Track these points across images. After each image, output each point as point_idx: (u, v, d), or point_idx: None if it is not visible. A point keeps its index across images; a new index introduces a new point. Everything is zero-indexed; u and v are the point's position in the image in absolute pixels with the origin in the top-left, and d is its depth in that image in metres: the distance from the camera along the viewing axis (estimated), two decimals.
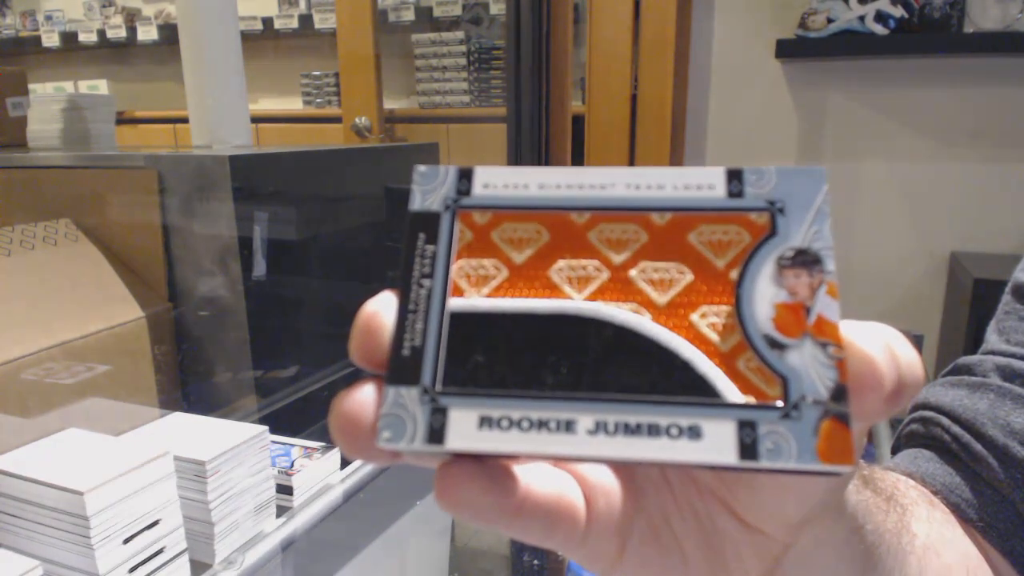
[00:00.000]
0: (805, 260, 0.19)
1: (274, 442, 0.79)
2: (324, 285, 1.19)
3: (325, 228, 1.17)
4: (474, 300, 0.20)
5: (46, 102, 1.45)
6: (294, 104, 3.04)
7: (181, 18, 1.24)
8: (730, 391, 0.18)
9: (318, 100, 2.95)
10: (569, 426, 0.18)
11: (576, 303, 0.20)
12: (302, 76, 2.96)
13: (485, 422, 0.18)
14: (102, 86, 3.29)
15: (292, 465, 0.77)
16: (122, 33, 3.18)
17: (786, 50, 1.99)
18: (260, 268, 1.00)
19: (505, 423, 0.18)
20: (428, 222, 0.21)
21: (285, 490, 0.75)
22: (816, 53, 2.01)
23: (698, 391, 0.18)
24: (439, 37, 2.63)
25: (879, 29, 1.88)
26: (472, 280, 0.20)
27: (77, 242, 1.00)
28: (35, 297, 0.89)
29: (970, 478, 0.41)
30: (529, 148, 1.62)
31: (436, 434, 0.18)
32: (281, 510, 0.74)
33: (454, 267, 0.20)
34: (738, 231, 0.20)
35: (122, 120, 2.71)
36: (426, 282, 0.20)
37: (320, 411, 1.12)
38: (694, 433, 0.18)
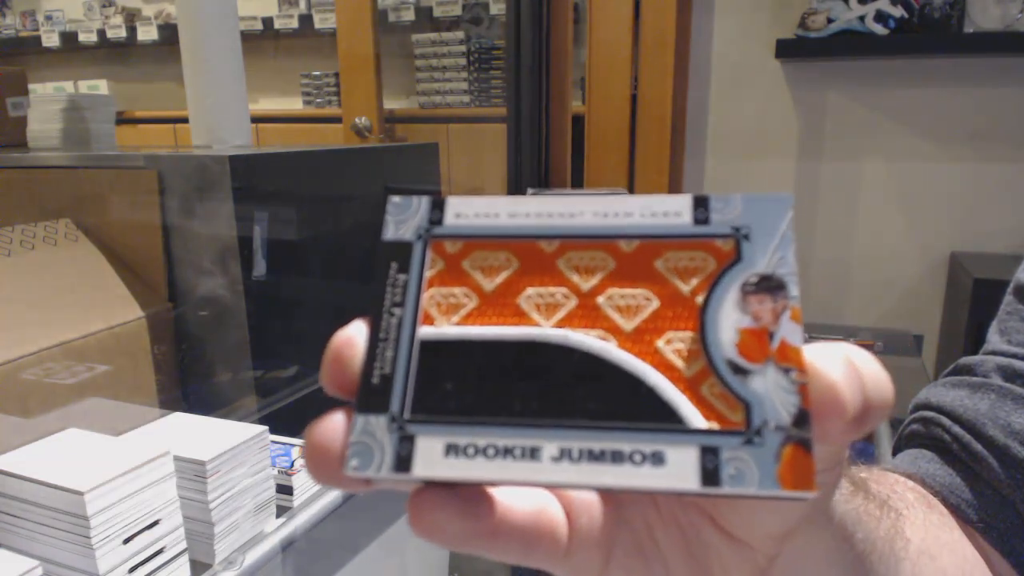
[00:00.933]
0: (769, 286, 0.19)
1: (274, 442, 0.79)
2: (324, 285, 1.19)
3: (325, 228, 1.17)
4: (444, 328, 0.20)
5: (46, 102, 1.45)
6: (294, 104, 3.03)
7: (181, 18, 1.24)
8: (694, 417, 0.18)
9: (318, 100, 2.95)
10: (534, 453, 0.18)
11: (543, 330, 0.20)
12: (302, 76, 2.95)
13: (451, 450, 0.18)
14: (102, 86, 3.29)
15: (292, 465, 0.77)
16: (122, 33, 3.18)
17: (786, 50, 1.99)
18: (260, 268, 1.00)
19: (471, 451, 0.18)
20: (400, 251, 0.21)
21: (285, 490, 0.75)
22: (816, 53, 2.01)
23: (662, 417, 0.18)
24: (439, 37, 2.63)
25: (879, 29, 1.88)
26: (442, 308, 0.20)
27: (77, 242, 1.00)
28: (35, 297, 0.89)
29: (970, 478, 0.41)
30: (529, 148, 1.62)
31: (403, 462, 0.18)
32: (281, 510, 0.74)
33: (425, 296, 0.20)
34: (704, 257, 0.20)
35: (122, 120, 2.71)
36: (397, 310, 0.20)
37: (320, 412, 1.12)
38: (657, 459, 0.18)
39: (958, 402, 0.43)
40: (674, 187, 2.25)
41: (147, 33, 3.14)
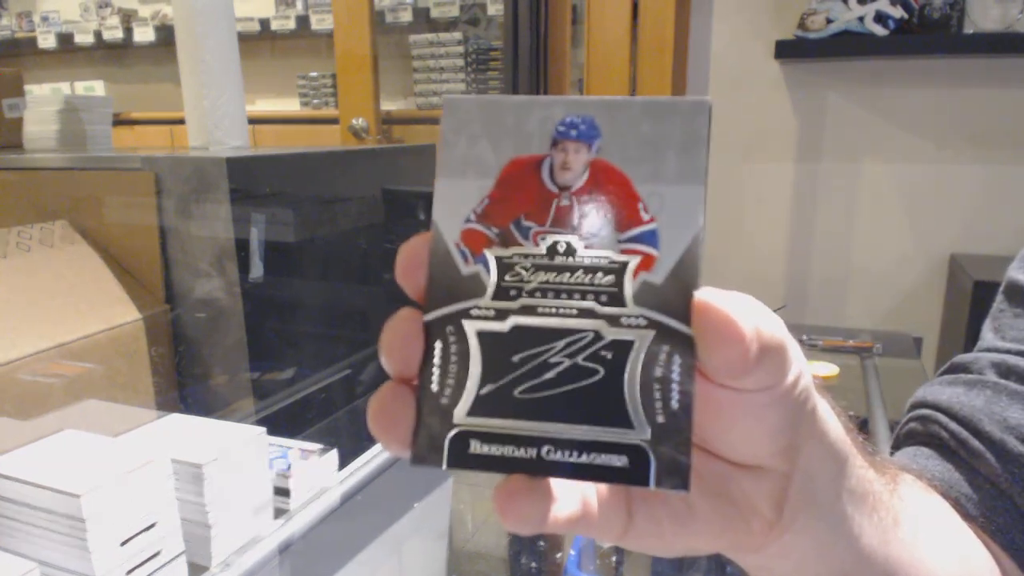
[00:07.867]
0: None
1: (272, 444, 0.79)
2: (321, 287, 1.18)
3: (322, 230, 1.17)
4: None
5: (42, 103, 1.45)
6: (291, 105, 3.03)
7: (178, 19, 1.23)
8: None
9: (315, 101, 2.94)
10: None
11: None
12: (299, 77, 2.95)
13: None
14: (98, 87, 3.29)
15: (289, 467, 0.76)
16: (118, 34, 3.18)
17: (785, 51, 1.99)
18: (257, 270, 1.00)
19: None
20: None
21: (283, 492, 0.75)
22: (815, 54, 2.01)
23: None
24: (437, 38, 2.63)
25: (879, 30, 1.88)
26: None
27: (74, 244, 1.00)
28: (32, 299, 0.89)
29: (968, 474, 0.41)
30: None
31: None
32: (278, 512, 0.74)
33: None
34: None
35: (119, 121, 2.70)
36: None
37: (318, 413, 1.12)
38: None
39: (955, 399, 0.43)
40: None
41: (143, 34, 3.14)
